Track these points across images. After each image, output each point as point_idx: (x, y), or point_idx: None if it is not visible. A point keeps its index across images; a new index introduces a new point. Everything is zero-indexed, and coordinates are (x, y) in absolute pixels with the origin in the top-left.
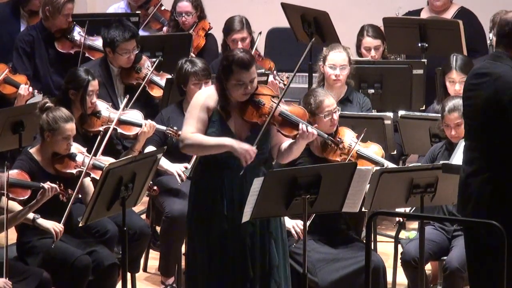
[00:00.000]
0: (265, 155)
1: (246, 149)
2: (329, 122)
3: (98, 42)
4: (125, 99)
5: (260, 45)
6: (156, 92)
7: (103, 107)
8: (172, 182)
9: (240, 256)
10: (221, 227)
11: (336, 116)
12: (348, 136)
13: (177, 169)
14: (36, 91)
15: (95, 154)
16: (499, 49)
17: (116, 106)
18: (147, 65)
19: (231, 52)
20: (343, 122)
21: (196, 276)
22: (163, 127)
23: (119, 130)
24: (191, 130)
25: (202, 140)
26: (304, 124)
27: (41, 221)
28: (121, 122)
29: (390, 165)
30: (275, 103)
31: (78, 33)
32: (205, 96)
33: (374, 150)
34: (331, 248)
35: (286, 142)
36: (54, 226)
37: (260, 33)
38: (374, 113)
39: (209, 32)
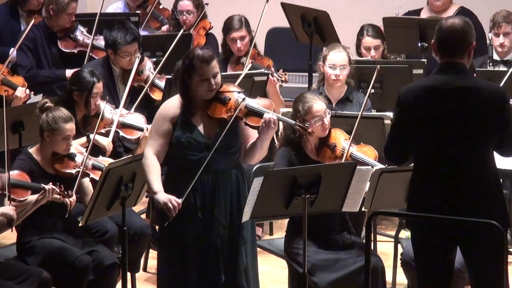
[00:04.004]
0: (235, 152)
1: (169, 198)
2: (320, 127)
3: (102, 42)
4: (123, 100)
5: (259, 44)
6: (157, 95)
7: (107, 109)
8: None
9: (212, 259)
10: (196, 230)
11: (326, 121)
12: (341, 140)
13: None
14: (32, 93)
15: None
16: None
17: (117, 107)
18: (148, 66)
19: (190, 51)
20: (343, 122)
21: (165, 277)
22: None
23: (121, 133)
24: (151, 151)
25: (147, 171)
26: (269, 113)
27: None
28: (123, 125)
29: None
30: (240, 97)
31: (81, 33)
32: (168, 106)
33: (367, 152)
34: (330, 249)
35: (251, 142)
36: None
37: (267, 1)
38: (374, 112)
39: (209, 31)
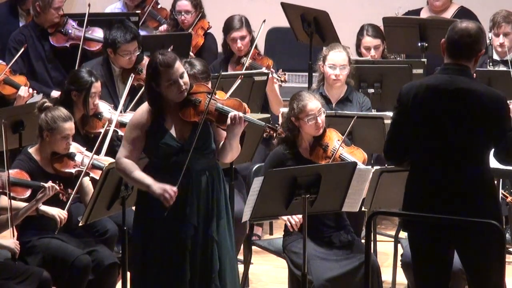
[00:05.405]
0: (210, 152)
1: (164, 188)
2: (314, 126)
3: (95, 33)
4: (122, 100)
5: (260, 44)
6: None
7: (105, 108)
8: None
9: (179, 258)
10: (162, 229)
11: (320, 120)
12: (334, 140)
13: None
14: (35, 91)
15: (95, 154)
16: None
17: (117, 107)
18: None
19: (151, 58)
20: (342, 122)
21: (135, 277)
22: None
23: (120, 132)
24: (124, 154)
25: (128, 171)
26: (234, 112)
27: (45, 208)
28: (122, 125)
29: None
30: (209, 98)
31: (71, 26)
32: (140, 113)
33: (356, 154)
34: (326, 248)
35: (222, 142)
36: (58, 213)
37: (264, 21)
38: (374, 112)
39: (208, 31)
